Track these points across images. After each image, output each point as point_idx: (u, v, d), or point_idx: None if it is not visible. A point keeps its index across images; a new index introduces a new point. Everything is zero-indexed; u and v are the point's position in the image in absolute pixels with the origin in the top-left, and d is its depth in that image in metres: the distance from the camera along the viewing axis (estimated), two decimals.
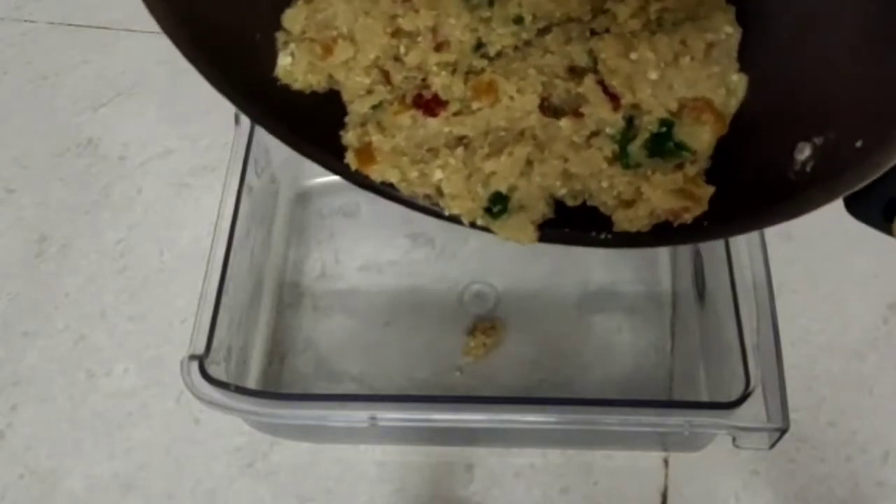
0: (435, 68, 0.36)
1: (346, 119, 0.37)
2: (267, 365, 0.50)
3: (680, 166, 0.34)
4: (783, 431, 0.38)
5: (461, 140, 0.36)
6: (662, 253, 0.53)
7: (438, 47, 0.36)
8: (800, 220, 0.54)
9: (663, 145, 0.34)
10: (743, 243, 0.43)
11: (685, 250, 0.51)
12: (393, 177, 0.36)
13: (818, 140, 0.31)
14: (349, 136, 0.37)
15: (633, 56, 0.33)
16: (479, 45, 0.36)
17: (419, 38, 0.36)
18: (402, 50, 0.36)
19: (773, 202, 0.32)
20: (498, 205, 0.36)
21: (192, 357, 0.40)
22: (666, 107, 0.34)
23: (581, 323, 0.51)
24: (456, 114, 0.35)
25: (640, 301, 0.52)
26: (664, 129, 0.34)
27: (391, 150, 0.36)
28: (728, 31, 0.34)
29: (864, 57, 0.29)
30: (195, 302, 0.42)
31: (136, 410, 0.49)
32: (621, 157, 0.35)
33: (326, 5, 0.36)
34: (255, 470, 0.47)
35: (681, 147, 0.34)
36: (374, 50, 0.36)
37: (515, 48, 0.36)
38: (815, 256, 0.53)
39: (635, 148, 0.35)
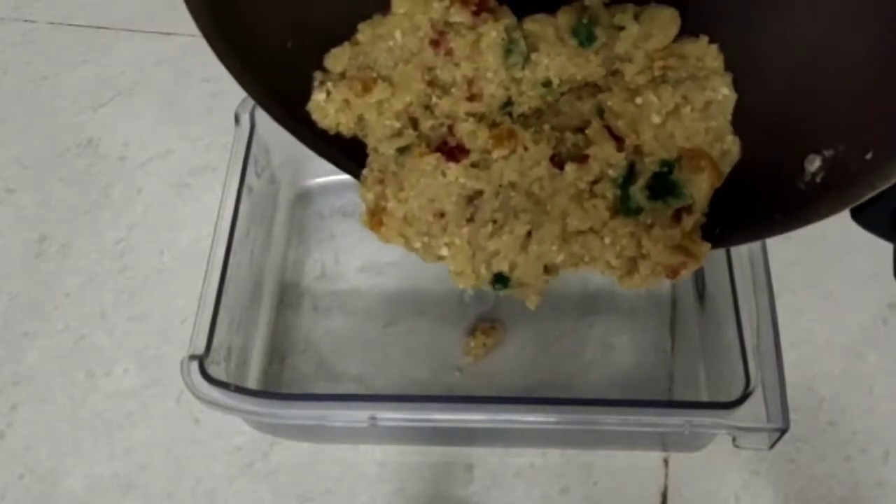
0: (463, 115, 0.38)
1: (364, 171, 0.38)
2: (267, 365, 0.50)
3: (678, 218, 0.36)
4: (783, 431, 0.38)
5: (471, 201, 0.37)
6: None
7: (471, 98, 0.38)
8: None
9: (664, 182, 0.36)
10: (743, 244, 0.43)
11: None
12: (397, 244, 0.38)
13: (828, 152, 0.31)
14: (368, 196, 0.38)
15: (638, 101, 0.36)
16: (506, 104, 0.38)
17: (453, 89, 0.38)
18: (434, 100, 0.38)
19: (783, 211, 0.33)
20: (499, 284, 0.38)
21: (192, 357, 0.40)
22: (667, 151, 0.36)
23: (581, 323, 0.51)
24: (474, 165, 0.37)
25: (641, 301, 0.52)
26: (665, 169, 0.36)
27: (402, 218, 0.37)
28: (725, 93, 0.36)
29: (872, 74, 0.30)
30: (195, 302, 0.42)
31: (136, 410, 0.49)
32: (622, 203, 0.36)
33: (370, 49, 0.38)
34: (255, 470, 0.47)
35: (681, 187, 0.36)
36: (409, 94, 0.37)
37: (537, 110, 0.38)
38: (814, 257, 0.53)
39: (637, 189, 0.36)
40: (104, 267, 0.55)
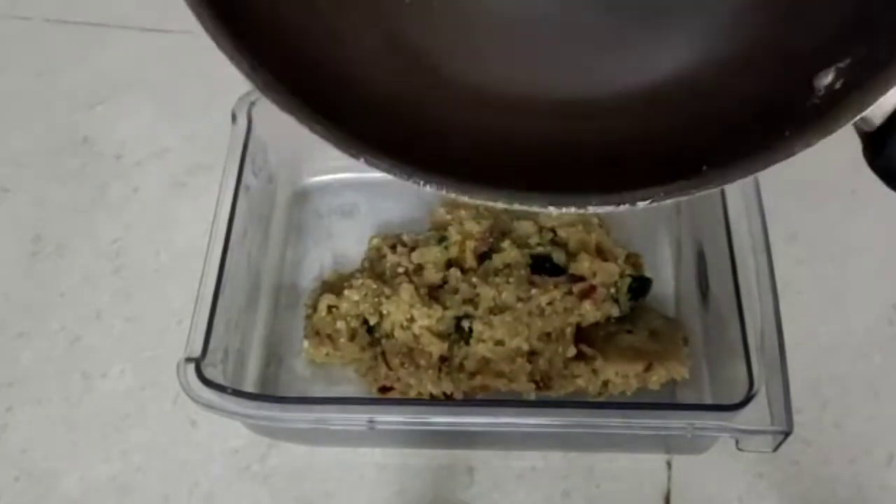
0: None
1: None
2: (264, 367, 0.49)
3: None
4: (787, 434, 0.38)
5: None
6: (665, 254, 0.52)
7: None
8: (803, 221, 0.54)
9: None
10: (747, 244, 0.42)
11: (688, 252, 0.50)
12: None
13: (843, 63, 0.28)
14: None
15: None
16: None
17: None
18: None
19: (794, 129, 0.27)
20: None
21: (189, 359, 0.40)
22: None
23: None
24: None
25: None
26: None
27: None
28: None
29: None
30: (192, 303, 0.42)
31: (132, 412, 0.49)
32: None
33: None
34: (252, 473, 0.47)
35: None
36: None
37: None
38: (819, 257, 0.53)
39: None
40: (100, 267, 0.54)
